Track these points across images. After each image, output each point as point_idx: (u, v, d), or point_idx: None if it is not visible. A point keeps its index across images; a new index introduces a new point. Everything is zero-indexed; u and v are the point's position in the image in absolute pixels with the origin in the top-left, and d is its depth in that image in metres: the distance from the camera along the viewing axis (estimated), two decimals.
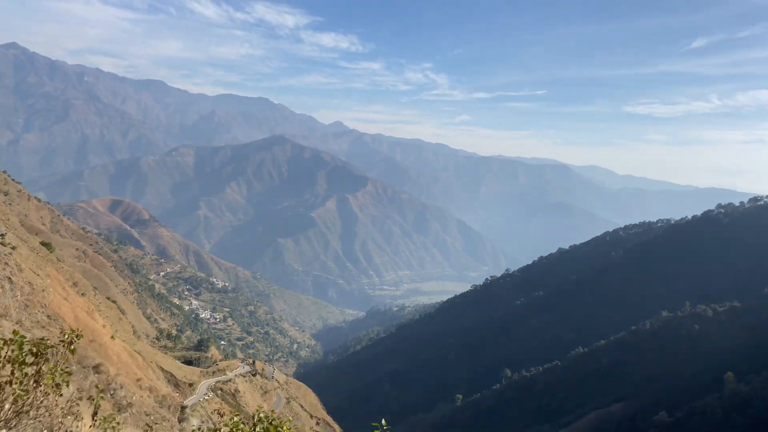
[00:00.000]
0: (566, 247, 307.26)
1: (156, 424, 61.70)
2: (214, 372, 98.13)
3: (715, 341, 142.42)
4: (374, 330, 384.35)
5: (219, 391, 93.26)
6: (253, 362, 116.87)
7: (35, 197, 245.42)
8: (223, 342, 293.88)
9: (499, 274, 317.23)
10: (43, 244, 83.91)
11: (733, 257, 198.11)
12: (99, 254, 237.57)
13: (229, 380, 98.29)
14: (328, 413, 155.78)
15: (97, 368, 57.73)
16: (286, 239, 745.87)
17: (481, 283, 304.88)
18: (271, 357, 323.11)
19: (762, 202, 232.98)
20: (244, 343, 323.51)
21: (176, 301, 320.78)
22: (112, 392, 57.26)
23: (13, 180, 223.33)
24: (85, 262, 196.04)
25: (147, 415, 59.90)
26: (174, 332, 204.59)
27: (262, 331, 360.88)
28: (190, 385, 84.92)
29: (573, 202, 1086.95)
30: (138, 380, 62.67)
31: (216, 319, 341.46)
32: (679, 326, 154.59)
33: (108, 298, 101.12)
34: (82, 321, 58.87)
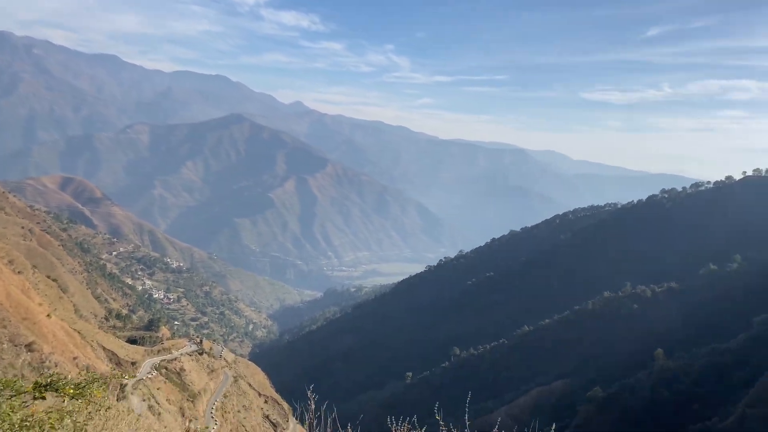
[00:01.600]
0: (518, 229, 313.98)
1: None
2: (159, 351, 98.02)
3: (652, 320, 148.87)
4: (331, 310, 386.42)
5: (164, 370, 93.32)
6: (201, 341, 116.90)
7: None
8: (177, 322, 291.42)
9: (453, 256, 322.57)
10: None
11: (674, 240, 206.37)
12: (47, 233, 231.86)
13: (175, 359, 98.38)
14: (280, 392, 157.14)
15: (29, 346, 57.46)
16: (243, 220, 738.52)
17: (435, 264, 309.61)
18: (225, 337, 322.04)
19: (703, 188, 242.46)
20: (198, 323, 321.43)
21: (129, 281, 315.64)
22: (45, 371, 57.17)
23: None
24: (30, 240, 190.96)
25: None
26: (124, 312, 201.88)
27: (217, 312, 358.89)
28: (133, 363, 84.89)
29: (530, 186, 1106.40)
30: (74, 358, 62.57)
31: (170, 299, 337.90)
32: (619, 306, 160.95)
33: (48, 277, 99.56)
34: (14, 299, 58.34)
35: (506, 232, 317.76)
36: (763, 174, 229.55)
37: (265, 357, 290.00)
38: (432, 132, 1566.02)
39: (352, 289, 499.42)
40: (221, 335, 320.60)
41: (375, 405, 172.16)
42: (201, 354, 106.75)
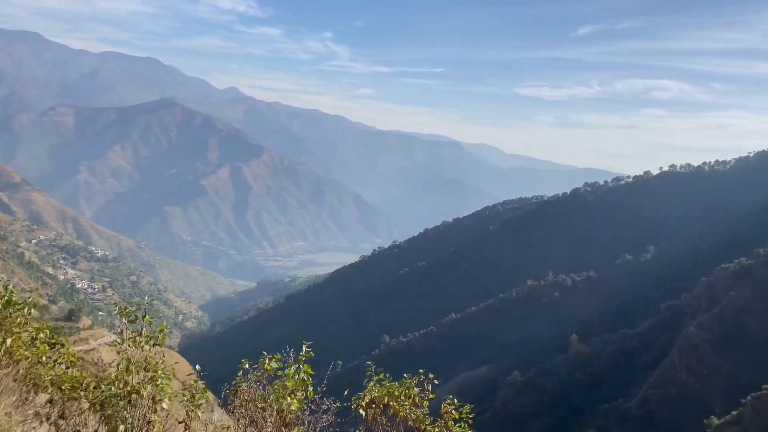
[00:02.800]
0: (450, 220, 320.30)
1: None
2: (75, 341, 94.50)
3: (571, 308, 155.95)
4: (264, 300, 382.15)
5: (80, 361, 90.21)
6: (121, 331, 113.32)
7: None
8: (101, 313, 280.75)
9: (387, 246, 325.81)
10: None
11: (595, 231, 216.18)
12: None
13: (92, 349, 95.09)
14: (208, 383, 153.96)
15: None
16: (174, 207, 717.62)
17: (369, 254, 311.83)
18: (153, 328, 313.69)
19: (623, 182, 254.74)
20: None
21: (50, 270, 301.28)
22: None
23: None
24: None
25: None
26: (43, 302, 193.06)
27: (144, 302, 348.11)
28: None
29: (464, 178, 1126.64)
30: None
31: (94, 289, 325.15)
32: (541, 294, 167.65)
33: None
34: None
35: (439, 223, 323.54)
36: (678, 170, 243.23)
37: (195, 348, 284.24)
38: (370, 122, 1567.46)
39: (287, 279, 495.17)
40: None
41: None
42: (121, 343, 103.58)
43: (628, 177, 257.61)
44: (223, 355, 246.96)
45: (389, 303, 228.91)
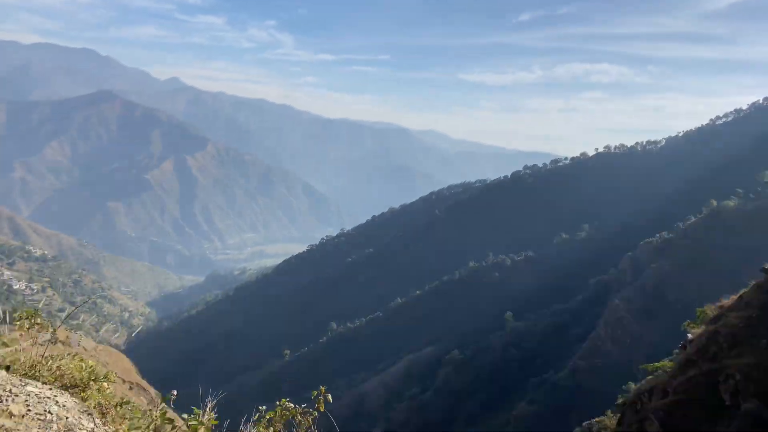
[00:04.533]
0: (398, 206, 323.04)
1: None
2: (4, 342, 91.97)
3: (511, 286, 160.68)
4: (212, 294, 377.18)
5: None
6: (54, 330, 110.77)
7: None
8: (42, 314, 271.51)
9: (335, 234, 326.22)
10: None
11: (535, 212, 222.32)
12: None
13: (23, 350, 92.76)
14: (156, 379, 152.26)
15: None
16: (117, 203, 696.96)
17: (317, 243, 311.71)
18: (98, 327, 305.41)
19: (561, 164, 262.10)
20: (66, 314, 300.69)
21: None
22: None
23: None
24: None
25: None
26: None
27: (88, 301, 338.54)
28: None
29: (413, 164, 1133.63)
30: None
31: (33, 290, 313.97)
32: (483, 275, 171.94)
33: None
34: None
35: (386, 210, 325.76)
36: (612, 151, 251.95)
37: (142, 345, 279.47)
38: (317, 111, 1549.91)
39: (236, 272, 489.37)
40: (93, 325, 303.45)
41: (254, 384, 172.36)
42: (54, 343, 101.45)
43: (566, 159, 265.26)
44: (173, 351, 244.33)
45: (337, 291, 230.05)
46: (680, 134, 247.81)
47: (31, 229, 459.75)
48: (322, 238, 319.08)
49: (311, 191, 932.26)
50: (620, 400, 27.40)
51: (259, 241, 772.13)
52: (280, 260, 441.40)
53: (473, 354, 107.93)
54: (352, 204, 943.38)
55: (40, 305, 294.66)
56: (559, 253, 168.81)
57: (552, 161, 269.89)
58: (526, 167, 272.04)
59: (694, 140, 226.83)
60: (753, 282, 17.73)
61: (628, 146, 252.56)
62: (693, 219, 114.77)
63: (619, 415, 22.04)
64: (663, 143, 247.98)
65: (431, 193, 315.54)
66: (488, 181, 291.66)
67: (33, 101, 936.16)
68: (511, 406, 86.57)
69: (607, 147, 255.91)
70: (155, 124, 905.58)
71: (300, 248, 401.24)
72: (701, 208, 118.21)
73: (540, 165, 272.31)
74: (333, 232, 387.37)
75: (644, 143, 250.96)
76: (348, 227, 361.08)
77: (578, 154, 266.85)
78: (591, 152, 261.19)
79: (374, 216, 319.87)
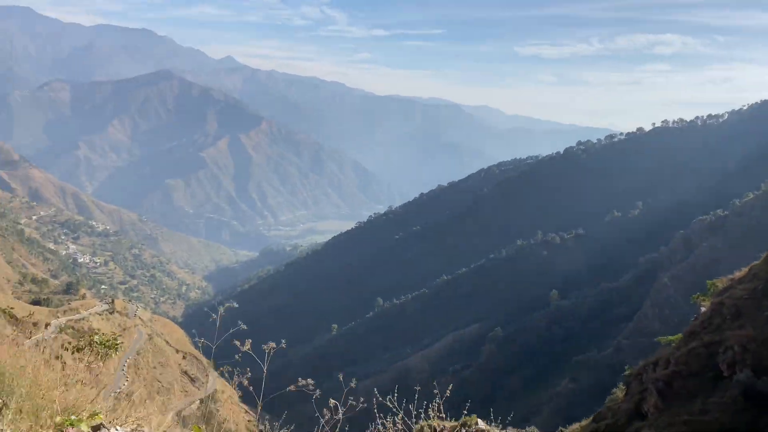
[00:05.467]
0: (446, 184, 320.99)
1: None
2: (65, 311, 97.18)
3: (559, 265, 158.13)
4: (265, 269, 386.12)
5: (70, 330, 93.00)
6: (112, 301, 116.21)
7: None
8: (104, 286, 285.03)
9: (383, 212, 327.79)
10: None
11: (587, 189, 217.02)
12: None
13: (83, 318, 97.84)
14: (208, 349, 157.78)
15: None
16: (175, 180, 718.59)
17: (366, 221, 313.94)
18: (157, 299, 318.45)
19: (616, 139, 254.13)
20: (127, 286, 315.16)
21: (51, 245, 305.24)
22: None
23: None
24: None
25: None
26: (41, 277, 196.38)
27: (147, 274, 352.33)
28: (35, 324, 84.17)
29: (464, 141, 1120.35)
30: None
31: (96, 263, 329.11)
32: (530, 253, 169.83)
33: None
34: None
35: (435, 187, 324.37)
36: (671, 125, 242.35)
37: (197, 317, 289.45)
38: (369, 88, 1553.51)
39: (288, 248, 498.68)
40: (152, 298, 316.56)
41: (302, 357, 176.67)
42: (112, 313, 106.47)
43: (621, 134, 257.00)
44: (223, 322, 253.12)
45: (384, 267, 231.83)
46: (744, 108, 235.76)
47: (94, 205, 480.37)
48: (370, 216, 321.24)
49: (361, 169, 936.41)
50: (627, 371, 27.05)
51: (310, 218, 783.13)
52: (329, 237, 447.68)
53: (516, 331, 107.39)
54: (401, 181, 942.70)
55: (103, 278, 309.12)
56: (610, 231, 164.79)
57: (607, 137, 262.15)
58: (579, 143, 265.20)
59: (757, 115, 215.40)
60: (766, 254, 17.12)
61: (688, 121, 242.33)
62: (750, 196, 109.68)
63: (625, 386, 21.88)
64: (725, 117, 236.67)
65: (481, 170, 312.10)
66: (540, 158, 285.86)
67: (95, 81, 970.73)
68: (553, 384, 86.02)
69: (665, 122, 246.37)
70: (211, 103, 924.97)
71: (349, 225, 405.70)
72: (760, 185, 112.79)
73: (594, 141, 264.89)
74: (382, 209, 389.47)
75: (705, 117, 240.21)
76: (396, 204, 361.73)
77: (635, 130, 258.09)
78: (649, 127, 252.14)
79: (422, 193, 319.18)
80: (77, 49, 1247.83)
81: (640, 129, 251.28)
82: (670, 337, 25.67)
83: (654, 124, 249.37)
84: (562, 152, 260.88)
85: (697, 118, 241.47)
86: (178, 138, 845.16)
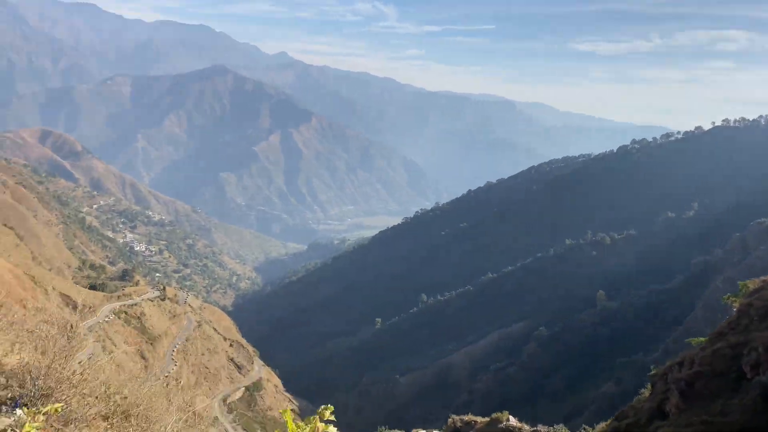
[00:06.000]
0: (495, 181, 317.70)
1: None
2: (119, 297, 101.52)
3: (608, 265, 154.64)
4: (313, 262, 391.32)
5: (123, 314, 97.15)
6: (164, 288, 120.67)
7: None
8: (158, 274, 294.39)
9: (430, 208, 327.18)
10: None
11: (640, 189, 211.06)
12: (22, 186, 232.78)
13: (135, 304, 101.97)
14: (255, 338, 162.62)
15: None
16: (228, 174, 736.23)
17: (412, 216, 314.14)
18: (209, 288, 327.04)
19: (673, 138, 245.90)
20: (180, 275, 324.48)
21: (110, 234, 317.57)
22: None
23: None
24: (4, 193, 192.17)
25: (30, 332, 63.48)
26: (99, 263, 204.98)
27: (200, 264, 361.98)
28: (90, 308, 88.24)
29: (516, 138, 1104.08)
30: (21, 300, 65.65)
31: (152, 252, 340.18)
32: (579, 252, 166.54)
33: (5, 225, 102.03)
34: None
35: (483, 184, 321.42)
36: (731, 124, 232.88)
37: (247, 307, 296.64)
38: (420, 84, 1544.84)
39: (336, 242, 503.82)
40: (204, 287, 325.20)
41: (345, 349, 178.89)
42: (163, 300, 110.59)
43: (678, 133, 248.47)
44: (273, 313, 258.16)
45: (429, 263, 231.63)
46: None
47: (151, 196, 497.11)
48: (417, 211, 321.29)
49: (410, 164, 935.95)
50: (653, 371, 26.51)
51: (359, 213, 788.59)
52: (376, 232, 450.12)
53: (561, 331, 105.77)
54: (450, 178, 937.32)
55: (158, 266, 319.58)
56: (664, 232, 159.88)
57: (663, 135, 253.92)
58: (634, 141, 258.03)
59: None
60: None
61: (750, 120, 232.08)
62: None
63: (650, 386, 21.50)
64: None
65: (531, 168, 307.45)
66: (592, 156, 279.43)
67: (154, 76, 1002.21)
68: (597, 386, 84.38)
69: (726, 120, 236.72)
70: (264, 98, 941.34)
71: (396, 221, 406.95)
72: None
73: (650, 139, 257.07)
74: (429, 205, 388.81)
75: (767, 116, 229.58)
76: (444, 201, 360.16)
77: (693, 128, 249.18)
78: (709, 126, 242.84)
79: (471, 190, 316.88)
80: (138, 45, 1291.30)
81: (698, 128, 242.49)
82: (702, 339, 25.06)
83: (714, 122, 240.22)
84: (615, 150, 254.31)
85: (760, 117, 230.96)
86: (231, 132, 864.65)
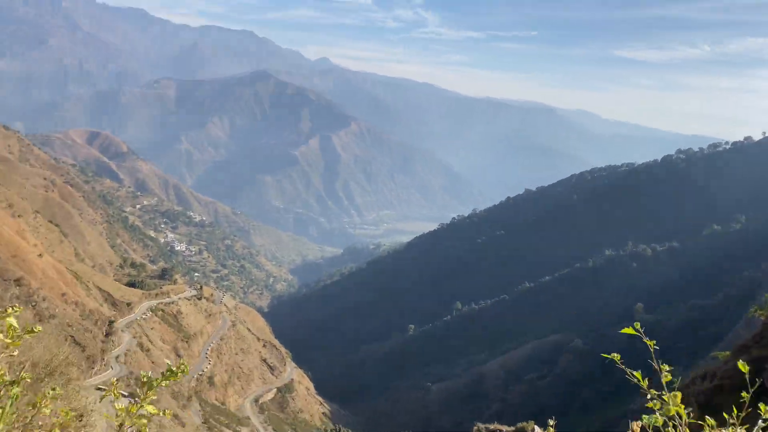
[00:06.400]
0: (534, 189, 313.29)
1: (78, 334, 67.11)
2: (157, 294, 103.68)
3: (648, 278, 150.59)
4: (347, 266, 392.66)
5: (160, 312, 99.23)
6: (201, 287, 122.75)
7: (2, 125, 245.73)
8: (197, 274, 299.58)
9: (467, 215, 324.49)
10: None
11: (685, 200, 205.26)
12: (69, 185, 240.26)
13: (172, 302, 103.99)
14: (289, 339, 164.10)
15: (18, 281, 62.77)
16: (267, 176, 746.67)
17: (448, 223, 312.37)
18: (245, 289, 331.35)
19: (721, 148, 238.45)
20: (218, 275, 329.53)
21: (152, 233, 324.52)
22: (33, 303, 62.50)
23: None
24: (52, 191, 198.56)
25: (69, 326, 65.47)
26: (140, 261, 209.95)
27: (237, 265, 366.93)
28: (128, 305, 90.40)
29: (557, 145, 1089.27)
30: (63, 294, 67.76)
31: (191, 251, 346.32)
32: (619, 264, 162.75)
33: (51, 222, 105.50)
34: (5, 238, 63.22)
35: (522, 192, 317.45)
36: None
37: (282, 308, 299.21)
38: (460, 89, 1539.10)
39: (372, 247, 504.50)
40: (241, 287, 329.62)
41: (377, 355, 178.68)
42: (200, 299, 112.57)
43: (727, 143, 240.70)
44: (306, 316, 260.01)
45: (465, 270, 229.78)
46: None
47: (192, 197, 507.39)
48: (453, 218, 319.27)
49: (448, 170, 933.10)
50: (675, 383, 25.40)
51: (395, 218, 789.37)
52: (412, 237, 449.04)
53: (596, 343, 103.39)
54: (489, 184, 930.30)
55: (197, 265, 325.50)
56: (708, 245, 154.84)
57: (710, 145, 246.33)
58: (679, 151, 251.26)
59: None
60: None
61: None
62: None
63: None
64: None
65: (572, 176, 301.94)
66: (635, 165, 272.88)
67: (199, 80, 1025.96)
68: (629, 400, 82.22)
69: None
70: (305, 103, 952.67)
71: (433, 226, 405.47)
72: None
73: (696, 149, 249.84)
74: (466, 212, 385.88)
75: None
76: (482, 207, 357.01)
77: (742, 139, 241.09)
78: (759, 136, 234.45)
79: (509, 197, 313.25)
80: (184, 49, 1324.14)
81: (748, 138, 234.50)
82: (727, 353, 24.07)
83: (765, 132, 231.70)
84: (659, 160, 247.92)
85: None
86: (272, 136, 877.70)
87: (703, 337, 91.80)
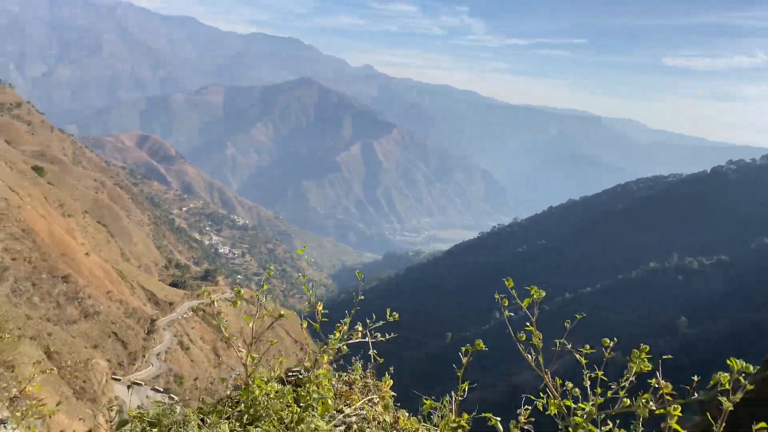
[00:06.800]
0: (578, 198, 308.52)
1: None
2: (198, 295, 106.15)
3: (694, 291, 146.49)
4: (386, 272, 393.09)
5: (201, 312, 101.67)
6: (239, 291, 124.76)
7: (58, 129, 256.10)
8: (239, 276, 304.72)
9: (507, 223, 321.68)
10: (34, 168, 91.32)
11: (733, 212, 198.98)
12: (119, 187, 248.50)
13: (212, 303, 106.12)
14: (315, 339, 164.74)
15: (66, 278, 65.48)
16: (309, 182, 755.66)
17: (488, 231, 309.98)
18: (286, 293, 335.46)
19: None
20: (260, 278, 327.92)
21: (197, 235, 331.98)
22: (79, 300, 65.06)
23: (37, 111, 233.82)
24: (102, 193, 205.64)
25: (113, 323, 67.90)
26: (184, 263, 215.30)
27: (279, 268, 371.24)
28: (171, 304, 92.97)
29: (602, 154, 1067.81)
30: (108, 292, 70.30)
31: (234, 254, 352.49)
32: (663, 276, 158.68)
33: (99, 222, 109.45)
34: (56, 237, 66.06)
35: (565, 201, 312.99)
36: None
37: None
38: (503, 97, 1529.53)
39: (411, 254, 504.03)
40: (282, 291, 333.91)
41: (413, 362, 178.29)
42: (240, 301, 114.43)
43: None
44: (341, 320, 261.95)
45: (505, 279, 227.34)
46: None
47: (236, 201, 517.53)
48: (494, 226, 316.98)
49: (489, 179, 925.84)
50: (701, 396, 24.78)
51: (435, 226, 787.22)
52: (452, 245, 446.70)
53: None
54: (530, 193, 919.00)
55: (240, 268, 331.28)
56: (758, 258, 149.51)
57: (762, 156, 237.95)
58: (730, 162, 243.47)
59: None
60: None
61: None
62: None
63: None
64: None
65: (617, 186, 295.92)
66: (683, 176, 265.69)
67: (245, 86, 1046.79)
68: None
69: None
70: (347, 110, 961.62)
71: (473, 234, 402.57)
72: None
73: (748, 160, 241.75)
74: (507, 220, 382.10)
75: None
76: (523, 216, 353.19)
77: None
78: None
79: (551, 206, 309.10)
80: (232, 56, 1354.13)
81: None
82: (759, 366, 23.40)
83: None
84: (708, 171, 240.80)
85: None
86: (314, 142, 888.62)
87: (751, 351, 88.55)
